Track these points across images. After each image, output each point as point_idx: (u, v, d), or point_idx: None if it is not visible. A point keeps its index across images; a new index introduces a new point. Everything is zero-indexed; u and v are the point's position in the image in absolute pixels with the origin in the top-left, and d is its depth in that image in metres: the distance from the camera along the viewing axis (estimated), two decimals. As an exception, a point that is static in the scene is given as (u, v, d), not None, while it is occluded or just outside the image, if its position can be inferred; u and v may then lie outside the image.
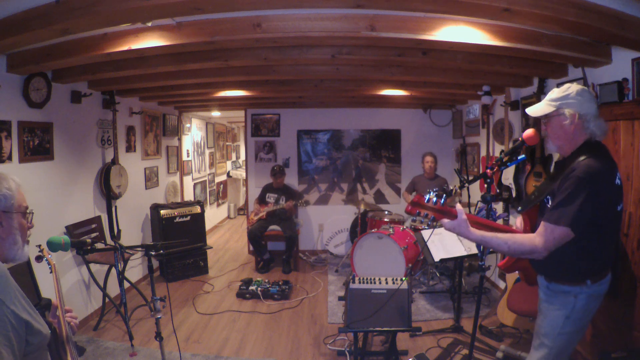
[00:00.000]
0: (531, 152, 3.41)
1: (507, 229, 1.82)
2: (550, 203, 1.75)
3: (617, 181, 1.66)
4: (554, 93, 1.76)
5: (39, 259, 1.74)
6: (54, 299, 1.60)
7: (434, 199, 1.66)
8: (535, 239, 1.65)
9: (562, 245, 1.64)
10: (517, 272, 2.95)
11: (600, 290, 1.73)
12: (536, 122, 3.53)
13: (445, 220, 1.68)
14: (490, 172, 1.98)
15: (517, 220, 2.04)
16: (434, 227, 3.53)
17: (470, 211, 3.38)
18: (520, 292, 2.98)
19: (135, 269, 4.80)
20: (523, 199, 3.69)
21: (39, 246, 1.78)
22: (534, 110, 1.80)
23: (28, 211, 1.38)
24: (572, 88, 1.73)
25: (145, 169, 5.08)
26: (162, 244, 2.31)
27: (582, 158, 1.65)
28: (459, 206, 1.71)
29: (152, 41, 2.49)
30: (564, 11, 2.01)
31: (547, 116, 1.78)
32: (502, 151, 2.06)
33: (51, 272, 1.70)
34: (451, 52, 2.89)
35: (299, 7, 2.21)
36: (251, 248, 5.92)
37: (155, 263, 5.12)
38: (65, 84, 3.53)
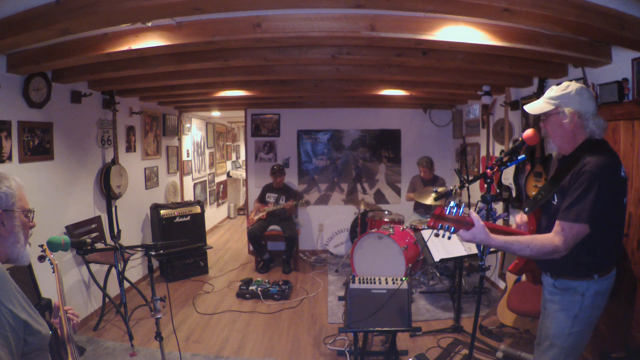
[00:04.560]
0: (531, 152, 3.41)
1: (513, 231, 1.81)
2: (556, 201, 1.74)
3: (622, 174, 1.67)
4: (553, 91, 1.76)
5: (41, 258, 1.74)
6: (55, 299, 1.60)
7: (454, 210, 1.57)
8: (555, 239, 1.63)
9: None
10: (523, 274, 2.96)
11: (607, 285, 1.73)
12: (536, 122, 3.53)
13: (462, 231, 1.58)
14: (490, 172, 1.98)
15: (516, 217, 2.03)
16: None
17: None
18: (520, 292, 2.98)
19: (135, 269, 4.80)
20: (528, 200, 3.69)
21: (42, 246, 1.78)
22: (532, 108, 1.80)
23: (30, 208, 1.38)
24: (572, 86, 1.73)
25: (145, 169, 5.08)
26: (162, 244, 2.31)
27: (588, 155, 1.65)
28: (473, 213, 1.62)
29: (152, 41, 2.49)
30: (564, 11, 2.01)
31: (545, 114, 1.78)
32: (502, 151, 2.05)
33: (54, 272, 1.70)
34: (451, 52, 2.89)
35: (299, 7, 2.20)
36: (251, 248, 5.92)
37: (155, 263, 5.12)
38: (65, 84, 3.53)
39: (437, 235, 1.58)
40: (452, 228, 1.56)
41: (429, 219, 1.60)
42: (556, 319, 1.77)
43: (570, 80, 1.83)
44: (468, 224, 1.58)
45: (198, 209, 5.26)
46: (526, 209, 1.93)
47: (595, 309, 1.74)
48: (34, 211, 1.40)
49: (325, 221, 6.28)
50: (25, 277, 2.74)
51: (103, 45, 2.59)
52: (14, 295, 1.20)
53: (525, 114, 3.84)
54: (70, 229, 3.57)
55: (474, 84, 4.09)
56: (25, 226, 1.35)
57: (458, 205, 1.57)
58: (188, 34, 2.42)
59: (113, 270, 3.86)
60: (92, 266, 3.69)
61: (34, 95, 3.15)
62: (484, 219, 1.81)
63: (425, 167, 5.10)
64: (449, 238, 1.59)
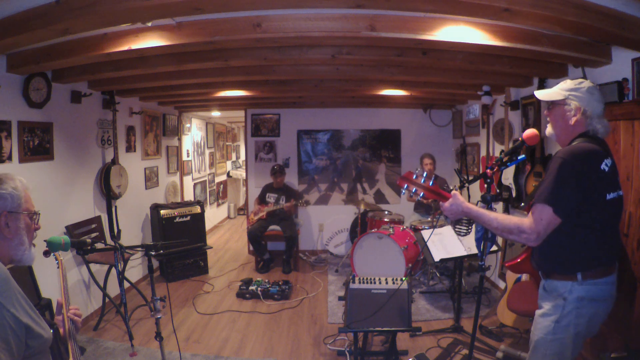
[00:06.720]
0: (531, 152, 3.41)
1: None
2: None
3: (603, 167, 1.62)
4: (567, 83, 1.78)
5: (46, 253, 1.73)
6: (56, 297, 1.60)
7: (423, 177, 1.83)
8: (524, 219, 1.65)
9: (555, 237, 1.63)
10: (524, 274, 2.95)
11: (594, 292, 1.64)
12: (536, 122, 3.54)
13: (441, 202, 1.82)
14: (490, 172, 1.98)
15: None
16: (434, 226, 3.52)
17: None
18: (520, 292, 2.98)
19: (135, 269, 4.80)
20: (525, 198, 3.69)
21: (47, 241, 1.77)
22: (544, 94, 1.82)
23: (35, 210, 1.37)
24: (585, 84, 1.75)
25: (145, 169, 5.08)
26: (162, 244, 2.31)
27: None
28: (453, 191, 1.82)
29: (152, 41, 2.49)
30: (564, 11, 2.01)
31: (553, 103, 1.80)
32: (502, 151, 2.05)
33: (58, 268, 1.70)
34: (451, 52, 2.89)
35: (299, 7, 2.20)
36: (251, 248, 5.92)
37: (155, 263, 5.12)
38: (65, 84, 3.53)
39: (402, 194, 1.85)
40: (422, 193, 1.85)
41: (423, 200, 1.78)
42: (539, 324, 1.75)
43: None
44: (445, 198, 1.81)
45: (198, 209, 5.26)
46: (522, 204, 1.96)
47: (581, 319, 1.64)
48: (39, 214, 1.39)
49: (325, 221, 6.28)
50: (25, 277, 2.74)
51: (103, 45, 2.59)
52: (16, 298, 1.19)
53: (525, 114, 3.84)
54: (70, 229, 3.57)
55: (474, 84, 4.08)
56: (30, 228, 1.34)
57: (428, 176, 1.79)
58: (188, 34, 2.41)
59: (113, 270, 3.86)
60: (92, 266, 3.69)
61: (34, 95, 3.15)
62: None
63: (432, 160, 5.06)
64: (417, 200, 1.79)
